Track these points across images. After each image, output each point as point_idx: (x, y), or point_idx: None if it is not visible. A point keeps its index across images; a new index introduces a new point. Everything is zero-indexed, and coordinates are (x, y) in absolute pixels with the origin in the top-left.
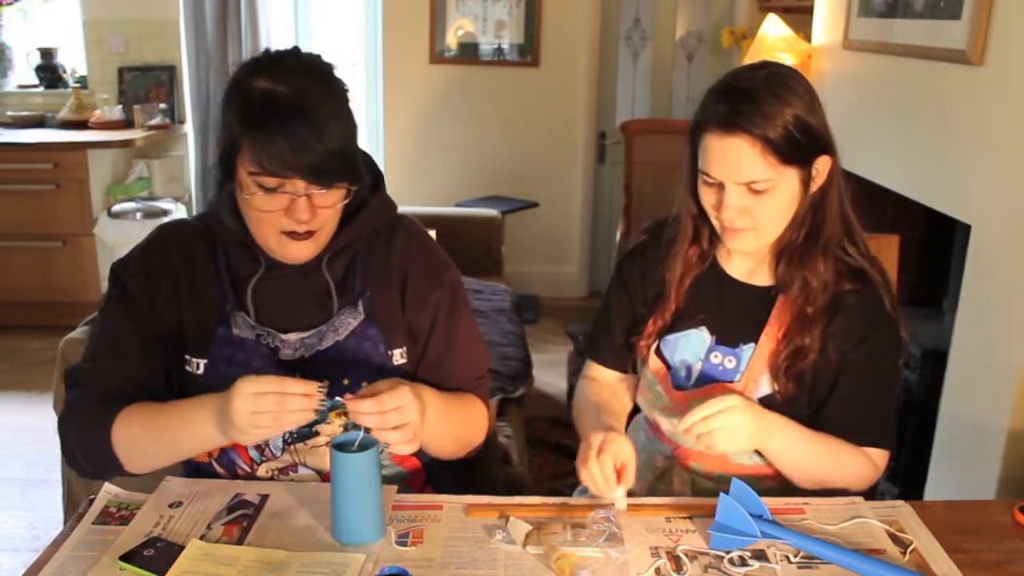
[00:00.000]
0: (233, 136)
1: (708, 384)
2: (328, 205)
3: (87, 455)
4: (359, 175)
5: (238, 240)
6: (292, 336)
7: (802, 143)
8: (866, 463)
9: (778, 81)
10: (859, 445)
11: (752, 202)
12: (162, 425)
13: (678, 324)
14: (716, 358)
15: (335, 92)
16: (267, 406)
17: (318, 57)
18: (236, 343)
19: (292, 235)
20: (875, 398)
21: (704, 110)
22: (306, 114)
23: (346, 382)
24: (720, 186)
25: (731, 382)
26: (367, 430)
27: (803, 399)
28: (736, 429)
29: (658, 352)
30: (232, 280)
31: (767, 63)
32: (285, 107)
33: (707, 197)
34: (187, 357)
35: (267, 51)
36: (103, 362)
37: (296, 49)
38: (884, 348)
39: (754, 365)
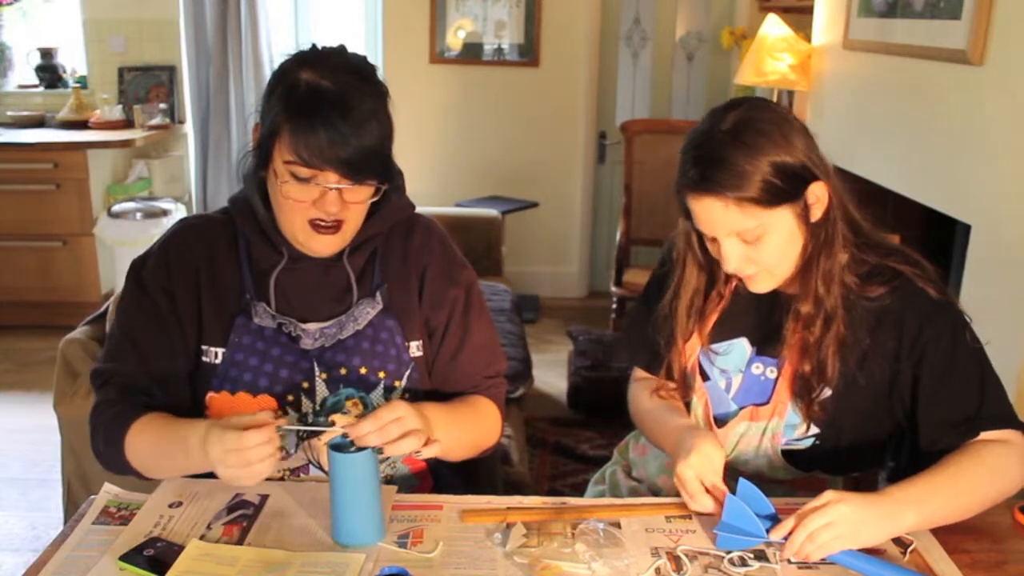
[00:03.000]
0: (274, 124)
1: (746, 405)
2: (357, 200)
3: (110, 459)
4: (391, 174)
5: (260, 231)
6: (312, 326)
7: (783, 186)
8: (1009, 455)
9: (747, 128)
10: (978, 435)
11: (750, 249)
12: (166, 447)
13: (718, 335)
14: (757, 369)
15: (377, 92)
16: (234, 463)
17: (363, 58)
18: (256, 332)
19: (318, 228)
20: (967, 380)
21: (680, 173)
22: (348, 110)
23: (363, 371)
24: (716, 238)
25: (768, 400)
26: (379, 451)
27: (848, 422)
28: (851, 532)
29: (699, 367)
30: (253, 270)
31: (735, 103)
32: (328, 101)
33: (710, 247)
34: (203, 347)
35: (314, 46)
36: (123, 362)
37: (343, 47)
38: (949, 331)
39: (779, 390)
